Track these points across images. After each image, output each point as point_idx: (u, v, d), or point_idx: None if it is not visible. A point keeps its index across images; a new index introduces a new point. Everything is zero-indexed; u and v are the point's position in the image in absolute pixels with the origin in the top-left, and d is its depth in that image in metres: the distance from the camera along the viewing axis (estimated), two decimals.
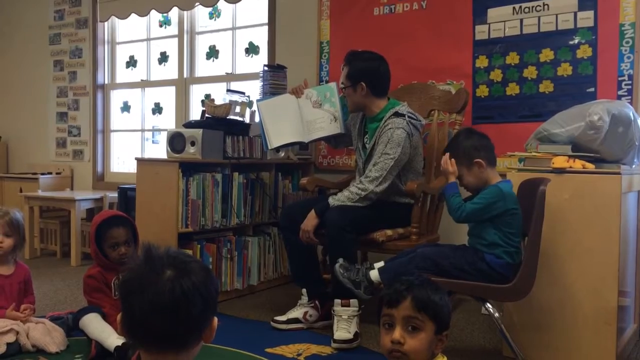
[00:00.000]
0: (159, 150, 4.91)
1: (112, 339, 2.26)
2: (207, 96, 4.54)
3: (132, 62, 5.12)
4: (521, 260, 2.20)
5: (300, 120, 3.02)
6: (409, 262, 2.29)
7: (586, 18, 3.04)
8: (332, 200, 2.71)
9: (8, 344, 2.31)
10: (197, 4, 4.48)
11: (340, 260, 2.46)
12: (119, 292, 1.11)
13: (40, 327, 2.41)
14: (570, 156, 2.32)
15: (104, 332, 2.31)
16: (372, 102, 2.85)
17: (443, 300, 1.43)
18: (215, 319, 1.12)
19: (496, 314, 2.19)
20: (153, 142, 5.11)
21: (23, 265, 2.62)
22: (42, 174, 5.03)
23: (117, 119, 5.24)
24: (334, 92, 3.04)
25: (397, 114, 2.75)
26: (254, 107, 3.86)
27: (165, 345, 1.06)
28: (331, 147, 3.33)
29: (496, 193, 2.22)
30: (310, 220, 2.71)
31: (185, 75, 4.70)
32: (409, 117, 2.74)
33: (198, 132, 3.12)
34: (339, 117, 3.01)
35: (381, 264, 2.42)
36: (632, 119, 2.36)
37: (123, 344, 2.21)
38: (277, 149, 3.21)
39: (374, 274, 2.38)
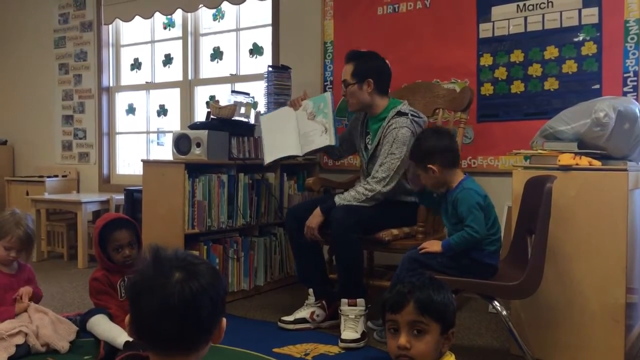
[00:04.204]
0: (164, 152, 4.92)
1: (122, 338, 2.27)
2: (212, 97, 4.55)
3: (136, 65, 5.13)
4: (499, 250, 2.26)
5: (297, 133, 2.98)
6: (400, 270, 2.30)
7: (591, 15, 3.03)
8: (338, 199, 2.71)
9: (17, 346, 2.32)
10: (200, 5, 4.49)
11: (375, 332, 2.56)
12: (127, 295, 1.10)
13: (47, 322, 2.43)
14: (576, 153, 2.32)
15: (112, 332, 2.33)
16: (375, 101, 2.85)
17: (446, 298, 1.42)
18: (224, 320, 1.12)
19: (504, 312, 2.19)
20: (158, 144, 5.12)
21: (25, 265, 2.63)
22: (49, 176, 5.05)
23: (122, 121, 5.25)
24: (327, 102, 2.96)
25: (400, 113, 2.75)
26: (259, 108, 3.88)
27: (175, 347, 1.06)
28: (333, 159, 3.28)
29: (471, 196, 2.24)
30: (315, 218, 2.71)
31: (189, 77, 4.71)
32: (411, 115, 2.75)
33: (203, 134, 3.12)
34: (330, 128, 2.90)
35: None
36: (638, 115, 2.35)
37: (133, 340, 2.22)
38: (270, 165, 3.11)
39: None
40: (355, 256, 2.64)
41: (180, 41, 4.76)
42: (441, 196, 2.41)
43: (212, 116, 3.38)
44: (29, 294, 2.52)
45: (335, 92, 3.86)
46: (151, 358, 1.08)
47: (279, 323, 2.77)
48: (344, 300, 2.57)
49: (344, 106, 3.80)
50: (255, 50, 4.39)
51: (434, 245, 2.29)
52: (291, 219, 2.89)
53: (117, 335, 2.30)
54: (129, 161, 5.25)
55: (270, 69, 3.61)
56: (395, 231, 2.71)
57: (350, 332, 2.51)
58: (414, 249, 2.37)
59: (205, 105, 4.60)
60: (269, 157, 3.01)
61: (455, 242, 2.23)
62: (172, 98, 4.88)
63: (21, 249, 2.51)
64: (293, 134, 2.99)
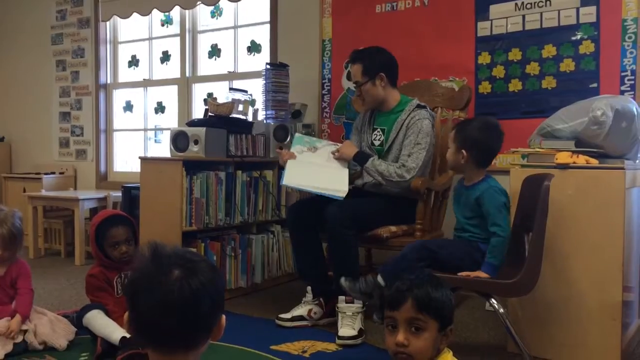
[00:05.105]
0: (162, 149, 4.92)
1: (118, 333, 2.27)
2: (210, 95, 4.54)
3: (134, 62, 5.12)
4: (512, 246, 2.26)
5: (319, 166, 2.89)
6: (410, 251, 2.29)
7: (588, 14, 3.03)
8: (370, 163, 2.75)
9: (15, 343, 2.32)
10: (198, 2, 4.48)
11: (343, 279, 2.49)
12: (126, 291, 1.10)
13: (46, 321, 2.43)
14: (573, 152, 2.33)
15: (108, 328, 2.33)
16: (390, 94, 2.88)
17: (445, 295, 1.43)
18: (224, 317, 1.11)
19: (501, 310, 2.19)
20: (155, 141, 5.12)
21: (16, 262, 2.54)
22: (46, 173, 5.04)
23: (119, 118, 5.25)
24: (307, 137, 3.08)
25: (419, 106, 2.81)
26: (257, 106, 3.88)
27: (174, 345, 1.05)
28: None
29: (500, 195, 2.27)
30: (350, 149, 2.83)
31: (187, 74, 4.70)
32: (430, 108, 2.83)
33: (201, 131, 3.12)
34: (336, 144, 3.05)
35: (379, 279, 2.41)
36: (636, 113, 2.35)
37: (130, 336, 2.22)
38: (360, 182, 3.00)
39: (380, 279, 2.37)
40: (350, 253, 2.63)
41: (178, 38, 4.75)
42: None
43: (210, 113, 3.37)
44: (19, 324, 2.38)
45: (332, 89, 3.88)
46: (150, 355, 1.08)
47: (276, 320, 2.77)
48: (341, 298, 2.58)
49: (342, 104, 3.82)
50: (253, 48, 4.39)
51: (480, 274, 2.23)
52: (292, 215, 2.89)
53: (113, 330, 2.30)
54: (126, 158, 5.24)
55: (268, 66, 3.61)
56: (393, 228, 2.71)
57: (347, 329, 2.51)
58: (429, 243, 2.40)
59: (203, 103, 4.60)
60: (344, 185, 2.76)
61: (494, 256, 2.22)
62: (169, 95, 4.87)
63: (6, 247, 2.47)
64: (320, 167, 2.87)
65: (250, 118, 3.59)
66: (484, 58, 3.33)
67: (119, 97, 5.24)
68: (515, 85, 3.25)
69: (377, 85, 2.84)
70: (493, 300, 2.22)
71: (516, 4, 3.22)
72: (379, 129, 2.91)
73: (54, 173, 5.14)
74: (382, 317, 1.47)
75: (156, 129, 5.09)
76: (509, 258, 2.35)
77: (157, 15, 4.86)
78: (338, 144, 3.05)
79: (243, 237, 3.36)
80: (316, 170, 2.85)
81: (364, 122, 3.00)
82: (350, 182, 2.92)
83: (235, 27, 4.50)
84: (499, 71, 3.29)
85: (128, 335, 2.24)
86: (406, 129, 2.77)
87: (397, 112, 2.85)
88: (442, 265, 2.23)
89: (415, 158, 2.70)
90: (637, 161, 2.49)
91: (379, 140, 2.89)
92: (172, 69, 4.84)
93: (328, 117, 3.91)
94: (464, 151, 2.34)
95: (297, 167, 2.83)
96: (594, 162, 2.29)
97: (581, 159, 2.30)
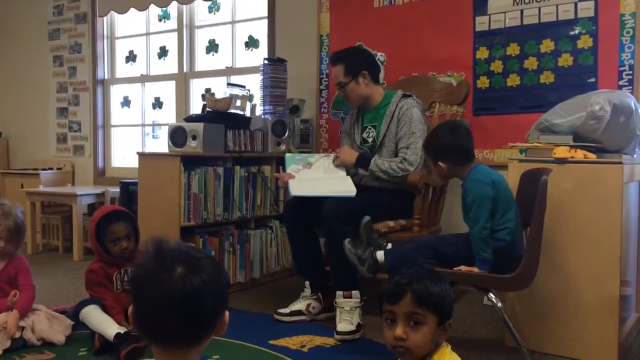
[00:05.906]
0: (160, 145, 4.92)
1: (113, 329, 2.28)
2: (208, 90, 4.54)
3: (131, 57, 5.11)
4: (520, 238, 2.24)
5: (320, 178, 2.90)
6: (414, 249, 2.29)
7: (587, 8, 3.03)
8: (373, 165, 2.75)
9: (13, 339, 2.32)
10: None
11: (347, 241, 2.47)
12: (130, 287, 1.09)
13: (43, 317, 2.43)
14: (571, 146, 2.33)
15: (103, 323, 2.33)
16: (374, 90, 2.90)
17: (444, 290, 1.43)
18: (227, 314, 1.11)
19: (499, 304, 2.20)
20: (153, 137, 5.11)
21: (14, 258, 2.55)
22: (43, 169, 5.04)
23: (117, 114, 5.24)
24: (298, 155, 3.07)
25: (405, 96, 2.84)
26: (254, 101, 3.88)
27: (176, 341, 1.05)
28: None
29: (476, 187, 2.19)
30: (349, 155, 2.84)
31: (185, 70, 4.69)
32: (415, 97, 2.84)
33: (199, 126, 3.12)
34: (326, 154, 3.06)
35: (389, 245, 2.44)
36: (634, 108, 2.36)
37: (124, 332, 2.23)
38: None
39: (380, 254, 2.38)
40: None
41: (176, 33, 4.74)
42: None
43: (207, 109, 3.37)
44: (16, 320, 2.37)
45: (330, 84, 3.88)
46: (153, 350, 1.08)
47: (275, 315, 2.77)
48: (339, 293, 2.58)
49: (340, 99, 3.81)
50: (251, 43, 4.38)
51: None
52: (290, 211, 2.89)
53: (108, 326, 2.31)
54: (124, 154, 5.24)
55: (266, 61, 3.60)
56: (391, 223, 2.71)
57: (345, 324, 2.52)
58: (431, 238, 2.38)
59: (200, 98, 4.59)
60: (352, 187, 2.77)
61: (475, 250, 2.18)
62: (167, 91, 4.87)
63: (10, 239, 2.49)
64: (321, 180, 2.88)
65: (248, 113, 3.59)
66: (482, 53, 3.33)
67: (117, 93, 5.22)
68: (513, 80, 3.25)
69: (360, 83, 2.86)
70: (491, 295, 2.22)
71: None
72: (369, 126, 2.92)
73: (51, 169, 5.14)
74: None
75: (154, 125, 5.08)
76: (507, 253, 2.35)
77: (154, 10, 4.85)
78: (330, 154, 3.04)
79: (241, 233, 3.37)
80: (319, 183, 2.86)
81: (352, 124, 3.00)
82: None
83: (232, 22, 4.49)
84: (497, 66, 3.29)
85: (122, 331, 2.25)
86: (397, 120, 2.79)
87: (384, 106, 2.86)
88: (445, 263, 2.22)
89: (414, 149, 2.71)
90: (635, 156, 2.49)
91: (371, 137, 2.89)
92: (170, 65, 4.83)
93: (326, 112, 3.91)
94: (440, 163, 2.28)
95: (300, 183, 2.84)
96: (592, 156, 2.29)
97: (579, 154, 2.30)
